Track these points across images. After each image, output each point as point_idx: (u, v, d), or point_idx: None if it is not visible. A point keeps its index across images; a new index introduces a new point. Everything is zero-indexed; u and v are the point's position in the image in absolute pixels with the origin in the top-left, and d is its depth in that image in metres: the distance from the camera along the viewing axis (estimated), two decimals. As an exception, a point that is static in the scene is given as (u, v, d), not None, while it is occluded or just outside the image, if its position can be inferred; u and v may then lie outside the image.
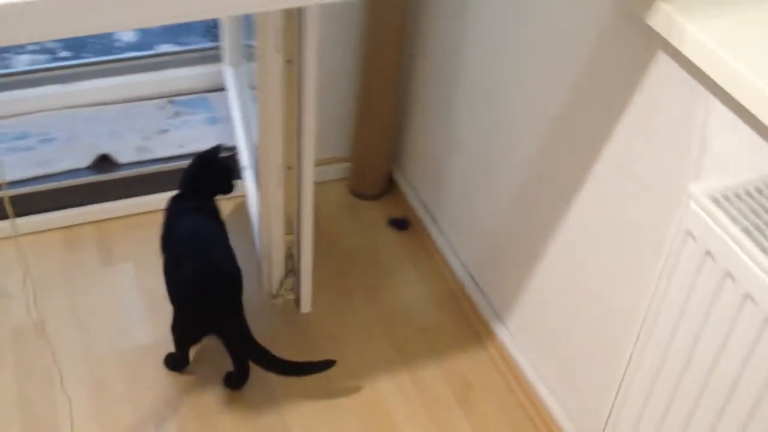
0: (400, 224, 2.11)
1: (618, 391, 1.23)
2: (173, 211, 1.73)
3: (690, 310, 1.03)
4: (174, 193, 1.78)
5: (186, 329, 1.65)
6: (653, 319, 1.10)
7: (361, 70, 1.99)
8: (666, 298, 1.07)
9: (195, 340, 1.69)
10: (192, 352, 1.75)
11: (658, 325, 1.10)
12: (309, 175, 1.46)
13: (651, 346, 1.12)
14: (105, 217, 2.05)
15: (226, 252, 1.65)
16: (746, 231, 0.93)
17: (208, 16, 0.92)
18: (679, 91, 1.15)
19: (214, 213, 1.75)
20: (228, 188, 1.80)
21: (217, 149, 1.82)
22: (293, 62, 1.35)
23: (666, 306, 1.08)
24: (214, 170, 1.79)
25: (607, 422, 1.27)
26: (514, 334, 1.77)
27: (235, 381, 1.70)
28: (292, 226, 1.59)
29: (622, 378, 1.21)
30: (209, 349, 1.76)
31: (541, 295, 1.64)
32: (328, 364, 1.66)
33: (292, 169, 1.49)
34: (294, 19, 1.29)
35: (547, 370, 1.67)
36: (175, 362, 1.72)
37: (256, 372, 1.73)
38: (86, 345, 1.76)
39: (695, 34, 1.05)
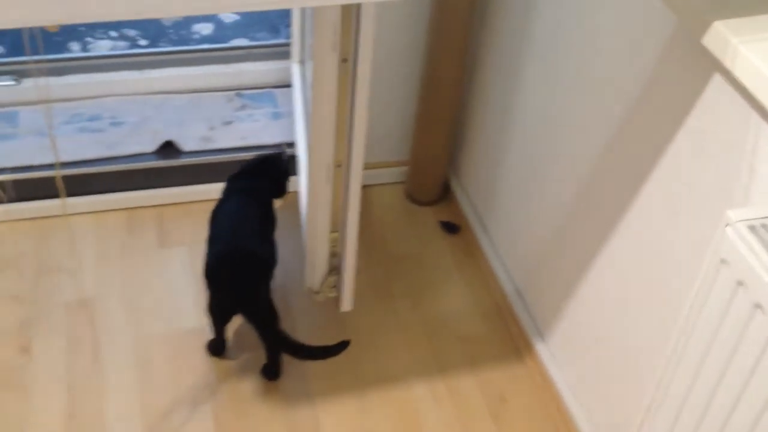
0: (451, 228, 2.11)
1: (647, 413, 1.20)
2: (226, 189, 1.79)
3: (721, 337, 1.00)
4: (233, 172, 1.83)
5: (212, 307, 1.69)
6: (684, 345, 1.08)
7: (423, 76, 2.00)
8: (698, 324, 1.05)
9: (222, 318, 1.72)
10: (232, 341, 1.79)
11: (688, 351, 1.07)
12: (357, 173, 1.47)
13: (681, 370, 1.10)
14: (165, 202, 2.11)
15: (258, 236, 1.69)
16: (780, 262, 0.91)
17: (272, 6, 0.94)
18: (731, 114, 1.13)
19: (264, 199, 1.78)
20: (281, 192, 1.86)
21: (281, 153, 1.87)
22: (348, 61, 1.37)
23: (697, 332, 1.05)
24: (272, 174, 1.84)
25: (633, 447, 1.24)
26: (553, 352, 1.75)
27: (269, 372, 1.73)
28: (337, 224, 1.61)
29: (652, 399, 1.18)
30: (249, 340, 1.80)
31: (581, 313, 1.62)
32: (343, 346, 1.66)
33: (341, 167, 1.51)
34: (351, 18, 1.31)
35: (582, 390, 1.65)
36: (215, 347, 1.76)
37: (292, 365, 1.75)
38: (134, 324, 1.82)
39: (748, 57, 1.02)
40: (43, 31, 1.21)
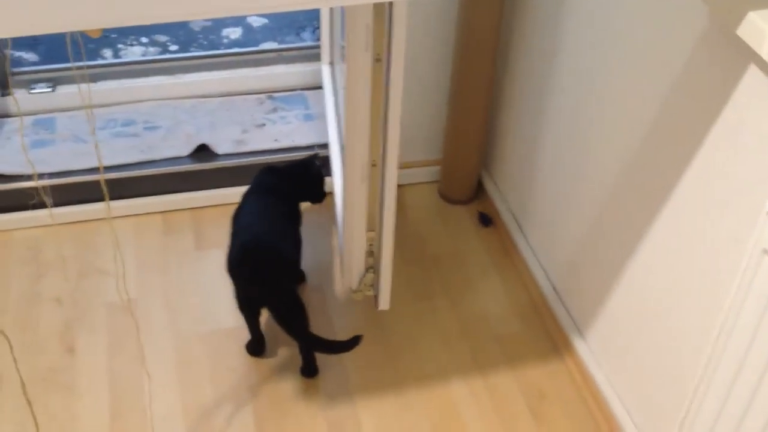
0: (486, 220, 2.12)
1: (689, 409, 1.20)
2: (251, 187, 1.82)
3: (764, 328, 1.00)
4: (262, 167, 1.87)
5: (240, 302, 1.71)
6: (726, 336, 1.08)
7: (453, 75, 2.01)
8: (740, 316, 1.04)
9: (251, 314, 1.74)
10: (271, 341, 1.81)
11: (731, 343, 1.07)
12: (393, 172, 1.48)
13: (723, 363, 1.10)
14: (201, 205, 2.14)
15: (280, 231, 1.72)
16: (824, 251, 0.90)
17: (308, 6, 0.95)
18: (767, 104, 1.12)
19: (289, 199, 1.81)
20: (318, 197, 1.90)
21: (313, 158, 1.89)
22: (381, 60, 1.38)
23: (740, 324, 1.05)
24: (307, 179, 1.88)
25: (675, 441, 1.24)
26: (592, 348, 1.75)
27: (306, 371, 1.75)
28: (374, 222, 1.62)
29: (694, 395, 1.18)
30: (287, 339, 1.82)
31: (620, 309, 1.61)
32: (355, 341, 1.66)
33: (377, 166, 1.52)
34: (384, 17, 1.32)
35: (622, 385, 1.64)
36: (254, 347, 1.78)
37: (332, 365, 1.77)
38: (174, 324, 1.84)
39: (786, 47, 1.02)
40: (82, 38, 1.24)
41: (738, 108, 1.19)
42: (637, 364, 1.58)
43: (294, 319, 1.65)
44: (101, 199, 2.05)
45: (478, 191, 2.21)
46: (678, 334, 1.42)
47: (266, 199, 1.78)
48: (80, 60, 1.64)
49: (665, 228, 1.42)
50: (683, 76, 1.30)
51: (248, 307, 1.72)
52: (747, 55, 1.14)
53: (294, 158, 1.98)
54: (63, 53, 2.50)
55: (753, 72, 1.14)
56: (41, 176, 1.99)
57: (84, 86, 1.88)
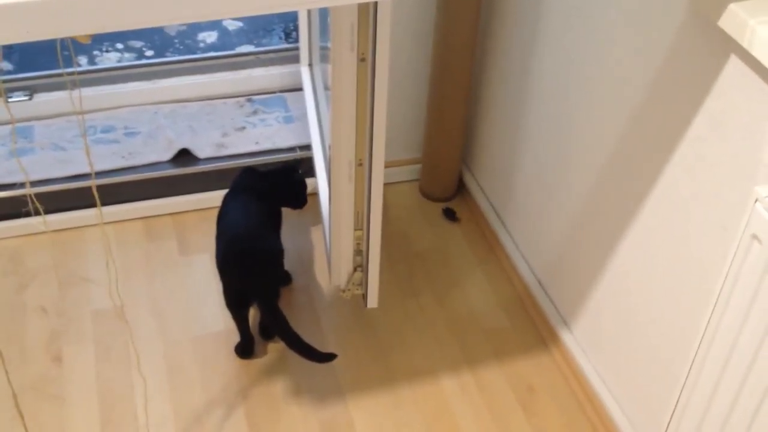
0: (451, 215, 2.15)
1: (680, 396, 1.22)
2: (231, 189, 1.84)
3: (755, 312, 1.02)
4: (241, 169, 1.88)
5: (229, 300, 1.73)
6: (717, 323, 1.10)
7: (433, 75, 2.02)
8: (730, 302, 1.06)
9: (240, 311, 1.75)
10: (262, 343, 1.81)
11: (721, 330, 1.09)
12: (379, 171, 1.49)
13: (714, 351, 1.12)
14: (184, 209, 2.13)
15: (264, 226, 1.75)
16: (813, 234, 0.92)
17: (290, 8, 0.96)
18: (749, 94, 1.15)
19: (269, 200, 1.82)
20: (299, 203, 1.91)
21: (296, 163, 1.90)
22: (366, 60, 1.38)
23: (730, 310, 1.07)
24: (289, 184, 1.89)
25: (667, 428, 1.26)
26: (578, 340, 1.77)
27: (264, 333, 1.82)
28: (361, 221, 1.63)
29: (684, 383, 1.20)
30: (279, 341, 1.82)
31: (606, 300, 1.63)
32: (329, 357, 1.68)
33: (363, 165, 1.53)
34: (368, 16, 1.33)
35: (610, 375, 1.66)
36: (243, 349, 1.78)
37: (322, 365, 1.77)
38: (162, 330, 1.84)
39: (765, 35, 1.04)
40: (65, 45, 1.23)
41: (721, 98, 1.21)
42: (624, 354, 1.60)
43: (270, 311, 1.67)
44: (83, 206, 2.05)
45: (460, 188, 2.22)
46: (666, 322, 1.44)
47: (249, 199, 1.79)
48: (63, 67, 1.63)
49: (651, 218, 1.44)
50: (666, 68, 1.33)
51: (238, 304, 1.73)
52: (729, 45, 1.16)
53: (277, 161, 1.98)
54: (38, 62, 2.48)
55: (734, 62, 1.16)
56: (22, 185, 1.97)
57: (73, 92, 1.86)
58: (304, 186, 1.91)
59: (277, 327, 1.67)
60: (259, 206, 1.79)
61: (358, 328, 1.87)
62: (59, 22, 0.83)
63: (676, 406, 1.23)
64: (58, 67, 1.69)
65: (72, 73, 1.79)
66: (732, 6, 1.11)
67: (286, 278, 1.94)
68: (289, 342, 1.67)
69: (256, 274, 1.67)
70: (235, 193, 1.82)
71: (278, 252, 1.76)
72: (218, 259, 1.71)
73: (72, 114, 2.09)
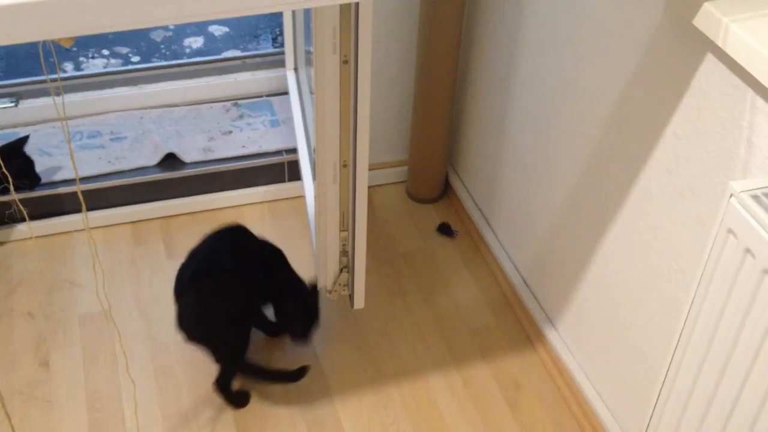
0: (448, 231, 2.13)
1: (661, 390, 1.24)
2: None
3: (732, 305, 1.04)
4: None
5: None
6: (695, 317, 1.12)
7: (418, 77, 2.04)
8: (708, 296, 1.08)
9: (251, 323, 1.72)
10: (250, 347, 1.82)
11: (699, 323, 1.11)
12: (363, 172, 1.51)
13: (693, 344, 1.13)
14: (170, 213, 2.14)
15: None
16: (785, 227, 0.94)
17: (272, 9, 0.97)
18: (726, 91, 1.17)
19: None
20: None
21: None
22: (348, 62, 1.40)
23: (708, 305, 1.09)
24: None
25: (650, 421, 1.28)
26: (563, 337, 1.79)
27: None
28: (346, 222, 1.64)
29: (665, 377, 1.22)
30: (268, 344, 1.83)
31: (590, 297, 1.65)
32: (302, 372, 1.68)
33: (347, 167, 1.54)
34: (350, 18, 1.34)
35: (594, 371, 1.68)
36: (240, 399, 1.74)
37: (310, 365, 1.78)
38: (149, 332, 1.84)
39: (739, 35, 1.06)
40: (46, 50, 1.24)
41: (697, 96, 1.23)
42: (608, 350, 1.62)
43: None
44: (69, 211, 2.06)
45: (445, 189, 2.24)
46: (647, 317, 1.46)
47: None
48: (47, 73, 1.64)
49: (631, 215, 1.46)
50: (643, 67, 1.35)
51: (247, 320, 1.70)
52: (704, 44, 1.18)
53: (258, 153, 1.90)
54: (24, 68, 2.49)
55: (710, 60, 1.18)
56: (8, 191, 1.98)
57: (57, 98, 1.87)
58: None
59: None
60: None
61: (346, 328, 1.88)
62: (40, 25, 0.84)
63: (657, 399, 1.25)
64: (43, 74, 1.70)
65: (56, 80, 1.79)
66: (706, 5, 1.13)
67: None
68: (255, 377, 1.68)
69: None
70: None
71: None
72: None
73: (57, 120, 2.10)
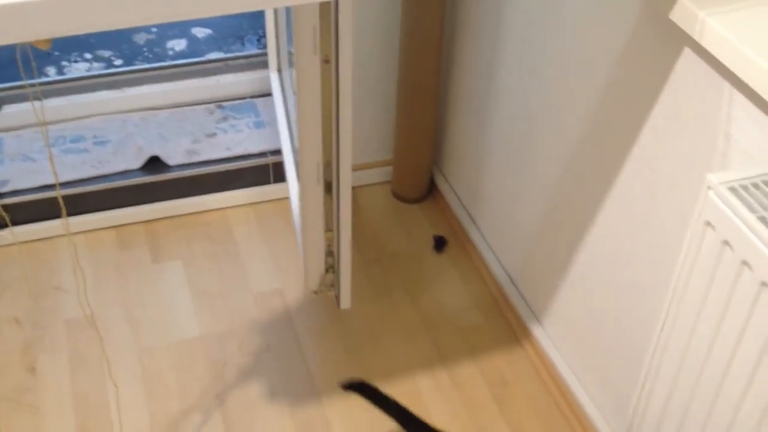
0: (441, 244, 2.11)
1: (644, 383, 1.24)
2: None
3: (711, 297, 1.05)
4: None
5: None
6: (675, 310, 1.12)
7: (401, 76, 2.04)
8: (688, 287, 1.09)
9: None
10: (236, 347, 1.81)
11: (680, 317, 1.12)
12: (347, 172, 1.51)
13: (674, 337, 1.14)
14: (155, 217, 2.13)
15: None
16: (762, 219, 0.95)
17: (249, 8, 0.97)
18: (703, 85, 1.17)
19: None
20: None
21: None
22: (330, 62, 1.40)
23: (688, 297, 1.09)
24: None
25: (633, 413, 1.28)
26: (549, 334, 1.79)
27: None
28: (331, 223, 1.64)
29: (647, 370, 1.23)
30: (253, 343, 1.83)
31: (574, 293, 1.66)
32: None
33: (331, 166, 1.55)
34: (330, 18, 1.35)
35: (581, 367, 1.69)
36: None
37: (297, 366, 1.78)
38: (136, 337, 1.84)
39: (716, 28, 1.07)
40: (26, 55, 1.23)
41: (675, 90, 1.24)
42: (594, 345, 1.62)
43: None
44: (53, 216, 2.05)
45: (431, 189, 2.24)
46: (631, 313, 1.47)
47: None
48: (25, 78, 1.63)
49: (614, 211, 1.47)
50: (621, 63, 1.35)
51: None
52: (680, 38, 1.19)
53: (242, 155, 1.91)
54: (5, 74, 2.47)
55: (687, 54, 1.19)
56: (-7, 197, 1.97)
57: (36, 103, 1.86)
58: None
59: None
60: None
61: (333, 329, 1.88)
62: (12, 26, 0.84)
63: (640, 393, 1.26)
64: (24, 79, 1.70)
65: (34, 85, 1.78)
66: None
67: None
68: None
69: None
70: None
71: None
72: None
73: (38, 125, 2.09)
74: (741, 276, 0.99)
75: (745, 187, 1.00)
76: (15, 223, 2.03)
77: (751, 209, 0.97)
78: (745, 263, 0.97)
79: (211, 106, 2.30)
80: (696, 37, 1.11)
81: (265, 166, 2.16)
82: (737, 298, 1.00)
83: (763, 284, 0.95)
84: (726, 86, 1.13)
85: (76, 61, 2.58)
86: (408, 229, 2.15)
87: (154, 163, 2.12)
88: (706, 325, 1.07)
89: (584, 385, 1.68)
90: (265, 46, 2.32)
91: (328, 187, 1.59)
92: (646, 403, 1.24)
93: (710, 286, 1.04)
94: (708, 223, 1.02)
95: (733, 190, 1.00)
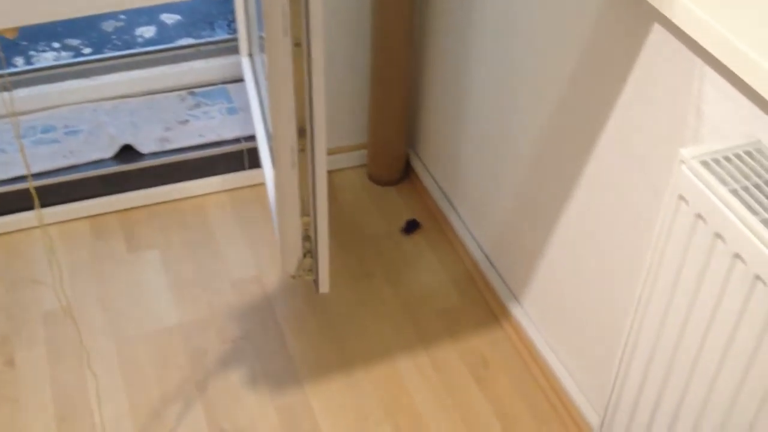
0: (411, 227, 2.11)
1: (621, 359, 1.25)
2: None
3: (686, 271, 1.06)
4: None
5: None
6: (651, 285, 1.13)
7: (373, 58, 2.03)
8: (663, 263, 1.10)
9: None
10: (216, 334, 1.81)
11: (656, 291, 1.13)
12: (322, 155, 1.50)
13: (650, 311, 1.15)
14: (129, 206, 2.11)
15: None
16: (734, 192, 0.96)
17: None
18: (674, 61, 1.18)
19: None
20: None
21: None
22: (301, 45, 1.39)
23: (663, 271, 1.10)
24: None
25: (612, 390, 1.30)
26: (528, 312, 1.80)
27: None
28: (307, 207, 1.64)
29: (625, 346, 1.24)
30: (231, 330, 1.82)
31: (551, 271, 1.67)
32: None
33: (305, 151, 1.54)
34: (300, 1, 1.33)
35: (560, 346, 1.70)
36: None
37: (277, 351, 1.78)
38: (114, 327, 1.83)
39: (686, 5, 1.07)
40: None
41: (647, 66, 1.24)
42: (572, 323, 1.63)
43: None
44: (26, 208, 2.03)
45: (407, 171, 2.24)
46: (608, 289, 1.48)
47: None
48: (2, 67, 1.61)
49: (589, 188, 1.47)
50: (593, 40, 1.36)
51: None
52: (651, 14, 1.19)
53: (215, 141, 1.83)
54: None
55: (658, 30, 1.20)
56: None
57: (5, 94, 1.83)
58: None
59: None
60: None
61: (312, 313, 1.88)
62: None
63: (619, 368, 1.27)
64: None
65: (2, 75, 1.76)
66: (652, -25, 1.13)
67: None
68: None
69: None
70: None
71: None
72: None
73: (8, 116, 2.06)
74: (714, 249, 1.00)
75: (716, 161, 1.01)
76: (-13, 216, 2.00)
77: (723, 182, 0.98)
78: (718, 236, 0.98)
79: (183, 92, 2.28)
80: (667, 14, 1.11)
81: (239, 152, 2.15)
82: (711, 271, 1.01)
83: (736, 256, 0.96)
84: (697, 62, 1.14)
85: (44, 51, 2.54)
86: (385, 211, 2.15)
87: (127, 152, 2.10)
88: (681, 298, 1.08)
89: (564, 363, 1.70)
90: (235, 31, 2.30)
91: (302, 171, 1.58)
92: (624, 379, 1.25)
93: (684, 259, 1.05)
94: (681, 197, 1.03)
95: (705, 163, 1.00)
